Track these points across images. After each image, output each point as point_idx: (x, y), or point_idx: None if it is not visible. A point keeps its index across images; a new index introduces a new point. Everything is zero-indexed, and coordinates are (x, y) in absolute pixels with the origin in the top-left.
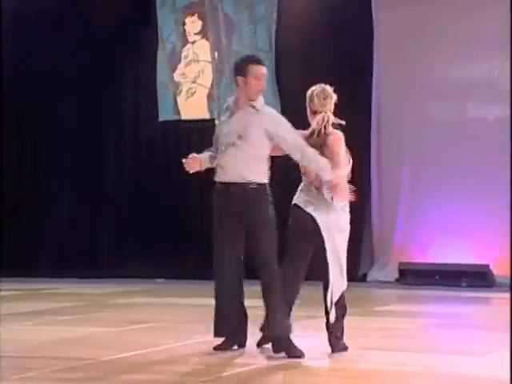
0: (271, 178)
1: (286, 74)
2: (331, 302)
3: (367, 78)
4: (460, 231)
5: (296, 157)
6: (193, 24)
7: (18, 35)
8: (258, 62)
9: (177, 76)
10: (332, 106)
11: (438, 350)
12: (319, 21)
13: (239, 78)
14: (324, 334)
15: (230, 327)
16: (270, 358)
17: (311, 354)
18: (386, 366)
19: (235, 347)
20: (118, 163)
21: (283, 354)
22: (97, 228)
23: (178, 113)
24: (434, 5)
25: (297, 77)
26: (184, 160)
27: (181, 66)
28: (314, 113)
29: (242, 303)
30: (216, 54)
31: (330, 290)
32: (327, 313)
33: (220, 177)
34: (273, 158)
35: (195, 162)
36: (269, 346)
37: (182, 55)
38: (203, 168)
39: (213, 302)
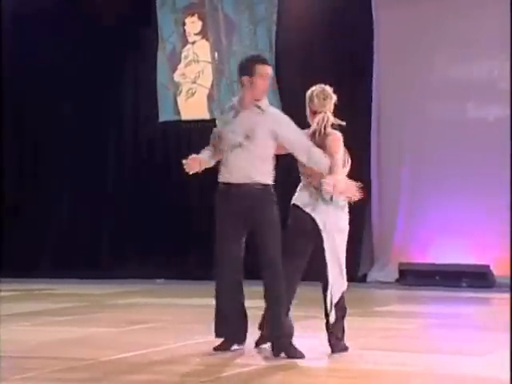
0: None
1: (286, 75)
2: (331, 304)
3: (367, 79)
4: (460, 231)
5: (302, 159)
6: (193, 24)
7: (18, 35)
8: (264, 61)
9: (177, 76)
10: (332, 107)
11: (438, 351)
12: (319, 21)
13: (245, 78)
14: (324, 335)
15: (230, 327)
16: (269, 358)
17: (311, 355)
18: (386, 366)
19: (235, 347)
20: (118, 163)
21: (283, 355)
22: (97, 228)
23: (178, 113)
24: (434, 5)
25: (297, 77)
26: (184, 161)
27: (181, 66)
28: (314, 113)
29: (243, 303)
30: (216, 54)
31: (329, 292)
32: (327, 314)
33: (225, 177)
34: (276, 158)
35: (195, 163)
36: (266, 345)
37: (182, 55)
38: (202, 168)
39: (213, 302)
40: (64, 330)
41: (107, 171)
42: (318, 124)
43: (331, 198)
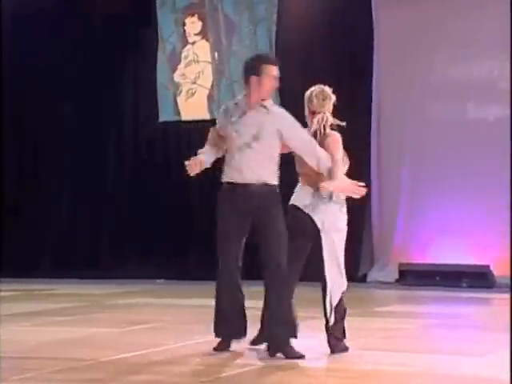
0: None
1: (286, 75)
2: (330, 306)
3: (367, 79)
4: (460, 231)
5: (312, 163)
6: (193, 25)
7: (18, 35)
8: (273, 62)
9: (177, 77)
10: (331, 107)
11: (438, 351)
12: (319, 21)
13: (253, 78)
14: (323, 335)
15: (229, 328)
16: (269, 358)
17: (310, 355)
18: (385, 366)
19: (234, 347)
20: (118, 163)
21: (280, 355)
22: (97, 228)
23: (178, 113)
24: (434, 5)
25: (297, 77)
26: (187, 162)
27: (181, 66)
28: (313, 113)
29: (242, 304)
30: (216, 54)
31: (328, 293)
32: (326, 316)
33: (231, 177)
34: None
35: (196, 165)
36: (262, 346)
37: (182, 56)
38: (202, 169)
39: (213, 302)
40: (64, 330)
41: (107, 171)
42: (318, 123)
43: (330, 197)
